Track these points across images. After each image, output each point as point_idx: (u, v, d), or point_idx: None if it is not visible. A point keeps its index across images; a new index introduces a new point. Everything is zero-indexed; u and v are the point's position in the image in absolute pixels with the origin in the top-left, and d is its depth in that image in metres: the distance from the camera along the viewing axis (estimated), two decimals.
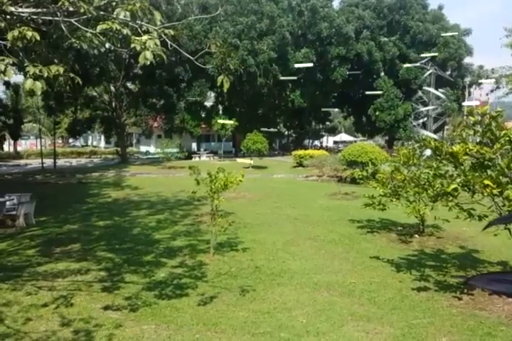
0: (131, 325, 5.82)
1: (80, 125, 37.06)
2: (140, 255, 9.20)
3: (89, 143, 62.48)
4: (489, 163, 6.96)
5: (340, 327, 5.85)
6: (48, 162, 30.71)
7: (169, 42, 4.62)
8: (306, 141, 52.55)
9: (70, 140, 59.37)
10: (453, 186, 7.07)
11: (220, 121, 34.64)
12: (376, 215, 12.56)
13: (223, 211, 12.21)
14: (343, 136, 65.24)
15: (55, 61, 5.48)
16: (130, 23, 4.43)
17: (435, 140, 8.80)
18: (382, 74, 43.94)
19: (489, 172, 6.85)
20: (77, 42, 4.97)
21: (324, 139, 61.40)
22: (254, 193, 18.10)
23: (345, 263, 8.80)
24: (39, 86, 4.48)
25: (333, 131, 60.92)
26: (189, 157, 36.40)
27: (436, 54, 40.39)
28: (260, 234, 10.95)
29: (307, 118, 48.09)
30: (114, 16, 4.37)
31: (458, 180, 7.18)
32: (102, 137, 54.93)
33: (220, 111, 42.13)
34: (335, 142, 63.36)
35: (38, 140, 40.47)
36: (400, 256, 9.28)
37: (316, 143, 57.67)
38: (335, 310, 6.37)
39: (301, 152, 31.38)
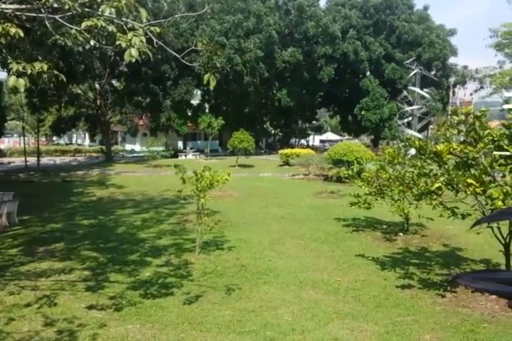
0: (115, 325, 5.78)
1: (64, 123, 36.64)
2: (125, 254, 9.14)
3: (74, 141, 61.81)
4: (472, 162, 7.06)
5: (325, 325, 5.88)
6: (32, 160, 30.30)
7: (155, 40, 4.58)
8: (293, 140, 52.68)
9: (54, 138, 58.63)
10: (437, 185, 7.15)
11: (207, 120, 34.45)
12: (361, 214, 12.65)
13: (209, 210, 12.17)
14: (330, 135, 65.53)
15: (39, 58, 5.41)
16: (115, 20, 4.39)
17: (420, 139, 8.89)
18: (368, 73, 44.22)
19: (472, 171, 6.95)
20: (62, 39, 4.91)
21: (311, 138, 61.60)
22: (241, 192, 18.09)
23: (331, 261, 8.84)
24: (22, 83, 4.41)
25: (319, 129, 61.11)
26: (175, 155, 36.23)
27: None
28: (246, 233, 10.95)
29: (294, 117, 48.20)
30: (99, 13, 4.32)
31: (442, 178, 7.26)
32: (87, 135, 54.37)
33: (207, 110, 42.01)
34: (321, 141, 63.63)
35: (22, 138, 39.89)
36: (384, 254, 9.36)
37: (303, 141, 57.83)
38: (320, 308, 6.41)
39: (287, 151, 31.45)
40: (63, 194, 17.85)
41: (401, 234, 11.07)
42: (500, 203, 6.37)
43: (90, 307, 6.32)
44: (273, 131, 52.19)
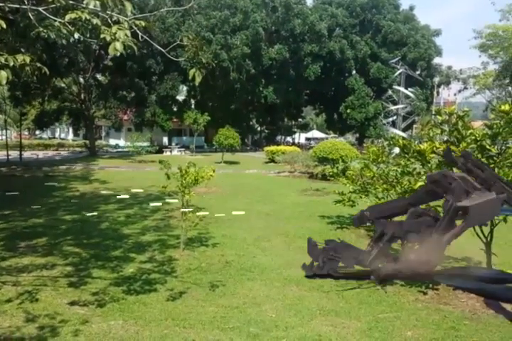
0: (98, 321, 5.73)
1: (47, 117, 36.14)
2: (108, 250, 9.06)
3: (57, 135, 61.05)
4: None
5: (308, 321, 5.91)
6: (14, 154, 29.84)
7: (140, 34, 4.54)
8: (279, 137, 52.80)
9: (37, 132, 57.84)
10: (420, 183, 7.24)
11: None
12: (346, 211, 12.73)
13: (194, 206, 12.14)
14: (315, 133, 65.82)
15: (22, 50, 5.31)
16: (100, 13, 4.33)
17: (404, 138, 8.97)
18: (354, 72, 44.50)
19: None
20: (45, 31, 4.82)
21: (296, 136, 61.83)
22: (226, 188, 18.06)
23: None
24: (4, 75, 4.32)
25: (305, 127, 61.37)
26: (160, 151, 36.03)
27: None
28: (231, 230, 10.95)
29: (280, 115, 48.30)
30: (84, 6, 4.25)
31: (425, 177, 7.34)
32: (70, 129, 53.79)
33: (193, 106, 41.83)
34: (307, 139, 63.90)
35: (4, 131, 39.22)
36: None
37: (289, 139, 58.01)
38: (304, 305, 6.44)
39: (273, 148, 31.50)
40: (46, 188, 17.62)
41: None
42: None
43: (72, 303, 6.26)
44: (259, 128, 52.25)
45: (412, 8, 47.04)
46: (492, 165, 6.92)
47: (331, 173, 12.15)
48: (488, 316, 6.05)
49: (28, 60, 4.48)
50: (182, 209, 9.09)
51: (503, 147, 7.30)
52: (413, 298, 6.82)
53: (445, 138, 7.72)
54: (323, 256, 2.05)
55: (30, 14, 4.63)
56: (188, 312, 6.10)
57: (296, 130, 57.60)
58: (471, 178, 2.15)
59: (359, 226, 11.64)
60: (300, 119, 56.43)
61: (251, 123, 49.39)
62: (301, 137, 64.35)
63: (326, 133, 63.43)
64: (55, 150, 42.53)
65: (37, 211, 12.96)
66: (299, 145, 45.22)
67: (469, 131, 7.05)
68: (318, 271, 2.15)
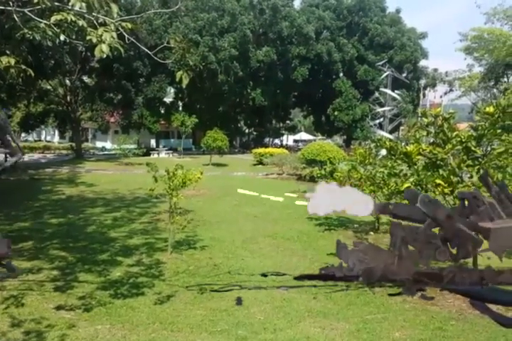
0: (84, 325, 5.67)
1: (32, 119, 35.78)
2: (95, 253, 8.98)
3: (43, 138, 60.41)
4: (441, 163, 7.23)
5: (297, 323, 5.91)
6: None
7: (126, 36, 4.51)
8: (267, 139, 52.85)
9: (23, 134, 57.11)
10: (406, 185, 7.29)
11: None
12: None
13: (182, 209, 12.09)
14: (303, 135, 66.03)
15: (7, 52, 5.26)
16: (86, 15, 4.29)
17: (390, 140, 9.04)
18: (341, 74, 44.78)
19: (441, 171, 7.11)
20: (30, 33, 4.78)
21: (284, 138, 61.97)
22: (214, 191, 18.02)
23: (303, 260, 8.90)
24: None
25: (293, 129, 61.54)
26: (147, 154, 35.84)
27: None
28: (219, 232, 10.92)
29: (268, 117, 48.37)
30: (70, 7, 4.22)
31: (411, 179, 7.41)
32: (56, 132, 53.27)
33: (180, 108, 41.71)
34: (295, 141, 64.07)
35: None
36: None
37: (277, 141, 58.10)
38: (292, 307, 6.44)
39: (261, 150, 31.53)
40: (31, 192, 17.42)
41: (372, 233, 11.23)
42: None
43: (59, 308, 6.19)
44: (247, 130, 52.29)
45: (398, 11, 47.49)
46: (477, 167, 7.01)
47: (318, 175, 12.20)
48: (474, 316, 6.11)
49: (12, 62, 4.44)
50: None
51: (488, 148, 7.40)
52: (400, 298, 6.85)
53: (431, 140, 7.80)
54: (354, 258, 2.08)
55: (15, 16, 4.58)
56: (176, 315, 6.07)
57: (284, 132, 57.73)
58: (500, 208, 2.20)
59: (346, 228, 11.70)
60: (288, 121, 56.60)
61: (239, 125, 49.40)
62: (289, 139, 64.51)
63: (314, 135, 63.65)
64: (40, 152, 42.07)
65: (22, 214, 12.80)
66: (287, 147, 45.32)
67: (455, 133, 7.13)
68: (348, 273, 2.19)
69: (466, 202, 2.09)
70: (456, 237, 2.19)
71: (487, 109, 7.04)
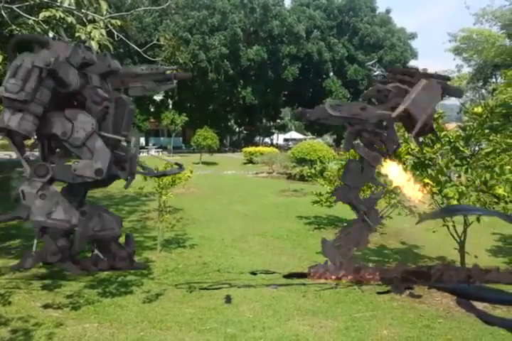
0: (72, 324, 5.63)
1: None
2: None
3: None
4: (429, 163, 7.28)
5: (286, 321, 5.93)
6: None
7: (116, 33, 4.48)
8: (257, 138, 52.86)
9: None
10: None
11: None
12: (323, 212, 12.83)
13: (171, 207, 12.05)
14: (293, 134, 66.10)
15: None
16: (75, 12, 4.26)
17: None
18: (332, 74, 44.90)
19: (429, 171, 7.16)
20: (18, 29, 4.73)
21: (275, 136, 61.99)
22: (204, 189, 17.99)
23: (293, 258, 8.92)
24: None
25: (283, 128, 61.58)
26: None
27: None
28: (209, 231, 10.90)
29: (258, 116, 48.38)
30: (58, 4, 4.18)
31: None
32: None
33: (170, 106, 41.56)
34: (285, 140, 64.11)
35: None
36: None
37: (267, 140, 58.12)
38: (281, 305, 6.46)
39: (251, 149, 31.53)
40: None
41: None
42: (455, 202, 6.59)
43: (46, 306, 6.14)
44: (237, 129, 52.24)
45: (388, 11, 47.76)
46: (465, 166, 7.07)
47: (308, 174, 12.24)
48: (461, 314, 6.17)
49: (0, 58, 4.39)
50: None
51: (476, 148, 7.48)
52: (389, 296, 6.90)
53: (420, 140, 7.85)
54: (339, 256, 2.06)
55: (3, 12, 4.53)
56: (165, 314, 6.05)
57: (274, 131, 57.78)
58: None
59: (336, 227, 11.75)
60: (278, 120, 56.65)
61: (229, 124, 49.36)
62: (279, 138, 64.56)
63: (304, 135, 63.79)
64: (29, 150, 41.60)
65: (10, 212, 12.66)
66: (277, 146, 45.37)
67: (443, 133, 7.18)
68: (335, 272, 2.16)
69: None
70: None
71: (475, 110, 7.10)
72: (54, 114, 1.76)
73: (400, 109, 1.82)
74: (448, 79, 2.11)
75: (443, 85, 2.04)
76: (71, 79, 1.70)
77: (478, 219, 6.89)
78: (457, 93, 2.27)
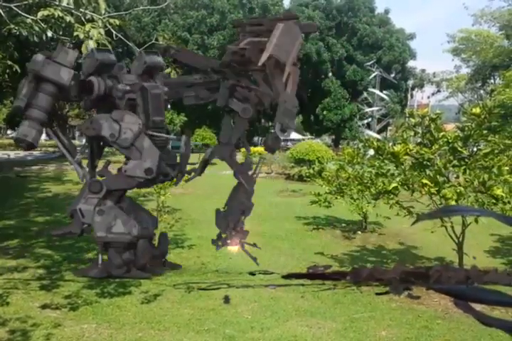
0: (70, 324, 5.62)
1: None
2: (81, 252, 8.90)
3: None
4: (428, 163, 7.28)
5: (284, 322, 5.92)
6: None
7: (114, 33, 4.47)
8: (256, 138, 52.82)
9: (9, 131, 56.47)
10: (393, 185, 7.33)
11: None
12: (322, 212, 12.82)
13: (170, 207, 12.05)
14: (292, 134, 66.05)
15: None
16: (73, 11, 4.25)
17: (378, 140, 9.10)
18: (330, 74, 44.91)
19: (428, 171, 7.16)
20: (17, 28, 4.72)
21: None
22: (203, 189, 17.97)
23: (291, 259, 8.92)
24: None
25: None
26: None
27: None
28: (207, 231, 10.83)
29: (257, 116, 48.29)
30: (57, 3, 4.17)
31: (398, 178, 7.45)
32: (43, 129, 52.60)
33: (169, 106, 41.51)
34: (284, 140, 64.11)
35: None
36: (343, 252, 9.52)
37: None
38: (280, 306, 6.45)
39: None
40: (17, 189, 17.20)
41: (359, 232, 11.29)
42: (453, 203, 6.59)
43: (44, 307, 6.13)
44: None
45: (387, 12, 47.79)
46: (463, 167, 7.07)
47: (307, 174, 12.24)
48: (460, 315, 6.17)
49: None
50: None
51: (475, 149, 7.48)
52: (387, 297, 6.90)
53: (418, 140, 7.86)
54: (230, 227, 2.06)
55: (1, 11, 4.52)
56: (163, 314, 6.05)
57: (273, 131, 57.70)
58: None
59: (334, 228, 11.74)
60: None
61: None
62: None
63: (303, 135, 63.79)
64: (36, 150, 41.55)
65: (8, 212, 12.63)
66: None
67: (442, 134, 7.19)
68: (226, 244, 2.16)
69: None
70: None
71: (474, 110, 7.11)
72: (101, 116, 1.77)
73: (265, 56, 1.80)
74: (296, 17, 2.09)
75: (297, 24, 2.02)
76: (62, 77, 1.71)
77: (476, 220, 6.91)
78: (311, 27, 2.24)
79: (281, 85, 1.90)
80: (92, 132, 1.71)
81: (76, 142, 42.00)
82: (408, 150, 7.29)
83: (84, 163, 2.10)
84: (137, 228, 1.72)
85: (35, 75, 1.65)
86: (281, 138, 1.98)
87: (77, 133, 50.18)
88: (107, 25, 4.30)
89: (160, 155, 1.75)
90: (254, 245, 2.26)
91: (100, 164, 2.05)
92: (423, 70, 51.76)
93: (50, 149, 41.32)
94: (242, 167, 2.14)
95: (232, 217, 2.15)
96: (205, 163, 2.22)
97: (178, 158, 2.12)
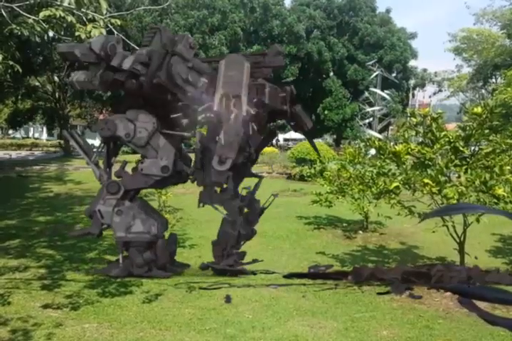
0: (71, 324, 5.63)
1: (20, 116, 35.40)
2: (83, 252, 8.91)
3: (31, 135, 59.80)
4: (429, 163, 7.27)
5: (285, 321, 5.92)
6: None
7: (116, 33, 4.47)
8: None
9: (10, 131, 56.51)
10: (395, 184, 7.32)
11: None
12: (323, 212, 12.81)
13: (171, 207, 12.06)
14: (293, 134, 66.03)
15: None
16: (75, 11, 4.25)
17: (379, 140, 9.09)
18: (332, 74, 44.83)
19: (429, 171, 7.15)
20: (18, 28, 4.71)
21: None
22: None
23: (292, 259, 8.92)
24: None
25: (283, 128, 61.46)
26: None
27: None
28: (209, 231, 10.84)
29: None
30: (58, 3, 4.17)
31: (399, 178, 7.44)
32: (44, 129, 52.75)
33: None
34: (285, 139, 64.08)
35: None
36: (344, 251, 9.52)
37: None
38: (281, 305, 6.45)
39: None
40: (18, 189, 17.23)
41: (360, 232, 11.29)
42: (455, 203, 6.58)
43: (46, 306, 6.14)
44: None
45: (388, 11, 47.65)
46: (465, 167, 7.07)
47: (308, 174, 12.23)
48: (461, 315, 6.17)
49: (0, 57, 4.38)
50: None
51: (476, 148, 7.47)
52: (388, 297, 6.90)
53: (420, 140, 7.85)
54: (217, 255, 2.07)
55: (3, 11, 4.52)
56: (165, 314, 6.05)
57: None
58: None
59: (335, 227, 11.74)
60: (278, 120, 56.59)
61: None
62: (279, 138, 64.52)
63: None
64: (28, 150, 41.63)
65: (9, 212, 12.66)
66: (277, 146, 45.32)
67: (443, 133, 7.18)
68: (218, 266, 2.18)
69: None
70: None
71: (475, 110, 7.09)
72: (116, 116, 1.77)
73: (218, 97, 1.80)
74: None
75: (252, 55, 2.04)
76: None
77: (477, 220, 6.90)
78: (277, 61, 2.21)
79: (226, 116, 1.91)
80: (108, 132, 1.72)
81: None
82: (409, 149, 7.28)
83: (100, 162, 2.11)
84: (156, 226, 1.74)
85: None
86: (222, 170, 1.96)
87: (79, 133, 50.23)
88: (109, 25, 4.30)
89: (175, 153, 1.76)
90: (255, 261, 2.29)
91: (117, 165, 2.05)
92: (424, 70, 51.68)
93: (52, 149, 41.38)
94: (222, 195, 2.13)
95: (218, 247, 2.21)
96: None
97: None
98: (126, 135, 1.67)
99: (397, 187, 7.38)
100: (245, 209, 2.29)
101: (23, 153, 38.10)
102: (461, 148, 7.07)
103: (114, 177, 1.89)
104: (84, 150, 1.81)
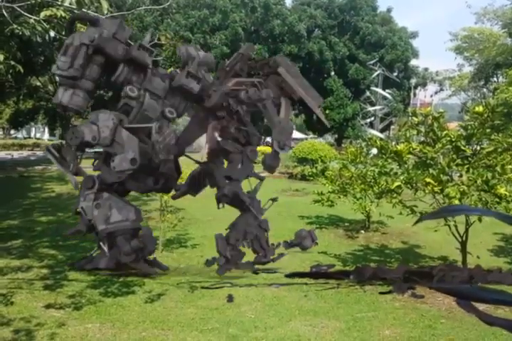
0: (74, 324, 5.64)
1: (22, 116, 35.41)
2: (85, 252, 8.91)
3: (32, 135, 59.89)
4: (431, 162, 7.26)
5: (287, 321, 5.92)
6: None
7: None
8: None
9: (12, 131, 56.61)
10: (396, 183, 7.32)
11: None
12: (325, 211, 12.82)
13: (173, 207, 12.03)
14: (295, 134, 65.96)
15: None
16: (76, 11, 4.25)
17: (381, 139, 9.09)
18: (333, 73, 44.82)
19: (431, 170, 7.15)
20: (20, 28, 4.72)
21: None
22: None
23: (294, 258, 8.90)
24: None
25: None
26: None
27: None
28: (211, 230, 10.86)
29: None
30: (59, 3, 4.18)
31: (401, 177, 7.43)
32: (46, 129, 52.82)
33: None
34: None
35: None
36: (346, 251, 9.51)
37: (268, 139, 58.07)
38: (283, 305, 6.45)
39: None
40: (20, 189, 17.26)
41: (362, 231, 11.28)
42: (457, 202, 6.58)
43: (48, 306, 6.14)
44: None
45: (389, 10, 47.65)
46: (466, 166, 7.06)
47: (310, 173, 12.22)
48: (464, 314, 6.16)
49: (1, 57, 4.39)
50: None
51: (478, 148, 7.46)
52: (390, 297, 6.89)
53: (421, 139, 7.84)
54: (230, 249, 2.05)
55: (4, 11, 4.53)
56: (167, 314, 6.06)
57: None
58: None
59: (337, 227, 11.73)
60: None
61: None
62: None
63: (305, 134, 63.74)
64: (30, 150, 41.66)
65: (11, 212, 12.68)
66: None
67: (444, 132, 7.17)
68: (228, 266, 2.14)
69: None
70: None
71: (476, 109, 7.09)
72: (80, 124, 1.79)
73: (299, 98, 1.86)
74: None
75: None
76: (120, 54, 1.75)
77: (479, 219, 6.90)
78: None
79: (274, 111, 1.98)
80: (77, 140, 1.72)
81: None
82: (411, 149, 7.28)
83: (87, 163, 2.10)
84: (133, 212, 1.73)
85: (96, 48, 1.68)
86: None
87: None
88: None
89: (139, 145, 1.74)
90: (281, 255, 2.28)
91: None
92: (426, 69, 51.63)
93: None
94: (249, 194, 2.16)
95: (233, 240, 2.16)
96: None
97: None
98: (93, 138, 1.67)
99: (398, 187, 7.37)
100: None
101: (25, 153, 38.13)
102: (462, 148, 7.06)
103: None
104: (61, 163, 1.82)
